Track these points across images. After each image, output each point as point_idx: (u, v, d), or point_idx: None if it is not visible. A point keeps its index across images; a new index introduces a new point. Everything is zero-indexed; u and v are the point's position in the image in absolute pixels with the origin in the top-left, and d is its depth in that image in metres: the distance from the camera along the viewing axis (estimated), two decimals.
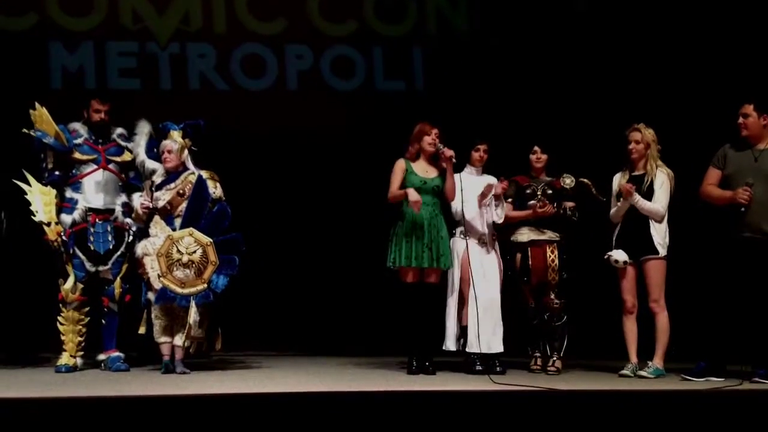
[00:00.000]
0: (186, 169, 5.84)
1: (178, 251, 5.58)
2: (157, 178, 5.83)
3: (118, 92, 7.29)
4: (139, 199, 5.83)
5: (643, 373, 5.66)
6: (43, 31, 7.47)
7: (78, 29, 7.54)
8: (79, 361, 5.81)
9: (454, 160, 5.76)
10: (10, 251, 6.05)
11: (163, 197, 5.75)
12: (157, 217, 5.73)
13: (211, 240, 5.60)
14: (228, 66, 7.77)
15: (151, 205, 5.75)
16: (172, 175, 5.81)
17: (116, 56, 7.60)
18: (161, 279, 5.58)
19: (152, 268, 5.62)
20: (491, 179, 6.03)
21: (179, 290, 5.57)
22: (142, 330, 5.76)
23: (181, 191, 5.74)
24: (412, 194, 5.69)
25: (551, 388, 4.98)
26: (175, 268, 5.58)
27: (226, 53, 7.76)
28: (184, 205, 5.71)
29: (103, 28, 7.56)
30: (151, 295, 5.66)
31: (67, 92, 7.32)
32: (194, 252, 5.58)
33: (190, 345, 5.64)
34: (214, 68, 7.75)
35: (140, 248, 5.71)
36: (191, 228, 5.62)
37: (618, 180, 5.92)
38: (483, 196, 5.89)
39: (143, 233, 5.81)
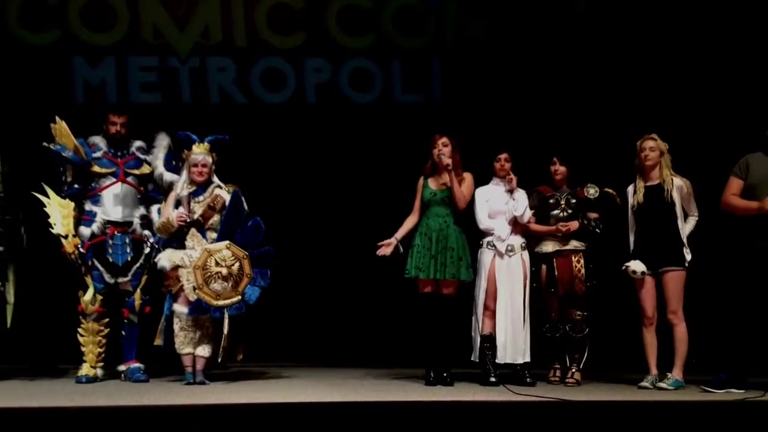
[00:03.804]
0: (211, 182, 5.89)
1: (216, 264, 5.61)
2: (184, 191, 5.87)
3: (139, 106, 7.37)
4: (158, 212, 5.88)
5: (662, 384, 5.62)
6: (66, 46, 7.58)
7: (100, 44, 7.64)
8: (99, 371, 5.85)
9: (449, 168, 5.74)
10: (30, 264, 6.09)
11: (197, 210, 5.79)
12: (193, 230, 5.73)
13: (247, 253, 5.64)
14: (247, 79, 7.83)
15: (187, 218, 5.78)
16: (199, 189, 5.86)
17: (137, 71, 7.69)
18: (197, 291, 5.61)
19: (188, 280, 5.63)
20: (519, 193, 5.95)
21: (214, 302, 5.60)
22: (158, 341, 5.79)
23: (211, 204, 5.78)
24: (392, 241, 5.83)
25: (569, 399, 4.95)
26: (212, 281, 5.60)
27: (245, 67, 7.82)
28: (214, 218, 5.75)
29: (124, 43, 7.65)
30: (176, 307, 5.67)
31: (89, 106, 7.40)
32: (232, 265, 5.62)
33: (221, 355, 5.61)
34: (233, 82, 7.82)
35: (166, 260, 5.73)
36: (228, 241, 5.66)
37: (631, 192, 5.89)
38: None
39: (164, 245, 5.84)
